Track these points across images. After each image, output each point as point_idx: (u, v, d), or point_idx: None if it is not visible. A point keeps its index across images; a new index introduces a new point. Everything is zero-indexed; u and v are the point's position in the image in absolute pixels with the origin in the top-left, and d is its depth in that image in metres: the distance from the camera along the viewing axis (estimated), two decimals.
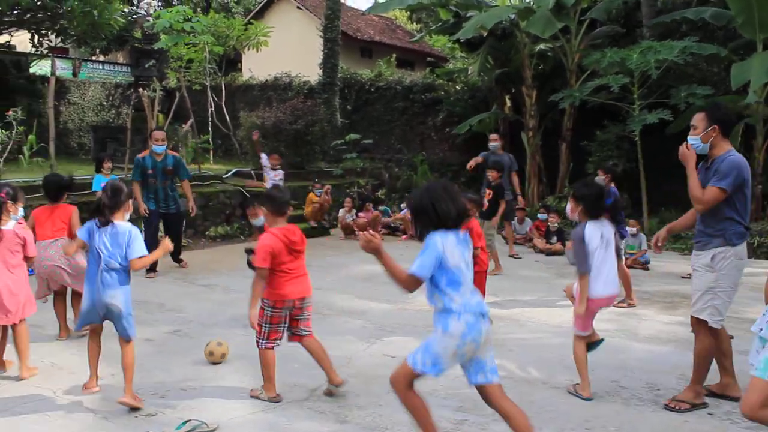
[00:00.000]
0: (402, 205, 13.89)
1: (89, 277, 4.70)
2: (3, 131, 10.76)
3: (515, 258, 10.74)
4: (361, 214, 13.18)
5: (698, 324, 4.60)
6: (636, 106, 12.26)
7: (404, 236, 12.96)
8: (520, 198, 11.77)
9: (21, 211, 5.51)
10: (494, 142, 11.16)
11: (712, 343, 4.58)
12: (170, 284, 8.49)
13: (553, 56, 14.66)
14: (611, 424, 4.36)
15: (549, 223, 11.60)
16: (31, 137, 11.80)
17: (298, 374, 5.15)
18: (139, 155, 9.19)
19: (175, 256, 9.30)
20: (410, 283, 3.46)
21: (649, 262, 10.10)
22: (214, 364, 5.45)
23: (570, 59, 13.82)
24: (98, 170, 9.65)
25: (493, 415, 4.40)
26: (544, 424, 4.34)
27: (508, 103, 16.18)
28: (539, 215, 11.93)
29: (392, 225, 13.52)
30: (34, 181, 10.14)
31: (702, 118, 4.61)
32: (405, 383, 3.55)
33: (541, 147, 14.57)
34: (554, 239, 11.44)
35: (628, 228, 10.29)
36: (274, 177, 12.28)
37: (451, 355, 3.46)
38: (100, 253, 4.59)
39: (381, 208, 13.96)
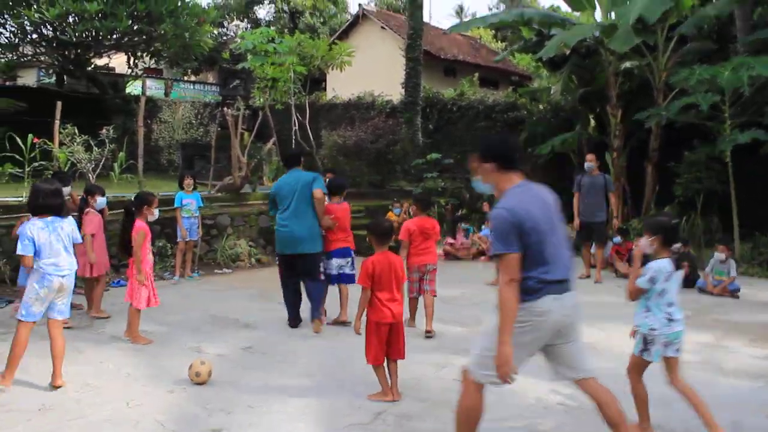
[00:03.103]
0: (483, 227, 13.73)
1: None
2: (97, 149, 11.26)
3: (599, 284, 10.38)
4: (451, 239, 13.18)
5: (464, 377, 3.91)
6: (727, 126, 11.70)
7: (483, 257, 12.81)
8: (614, 220, 11.44)
9: (103, 201, 7.76)
10: (590, 162, 10.84)
11: (470, 400, 3.83)
12: (247, 301, 8.62)
13: (640, 74, 14.17)
14: None
15: (633, 246, 11.13)
16: (121, 155, 12.30)
17: (363, 396, 5.12)
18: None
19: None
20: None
21: (739, 290, 9.52)
22: (200, 384, 5.36)
23: (657, 77, 13.31)
24: (181, 187, 10.07)
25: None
26: None
27: (592, 122, 15.73)
28: (614, 239, 11.38)
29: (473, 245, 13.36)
30: (123, 196, 10.62)
31: (474, 157, 3.91)
32: None
33: (626, 168, 14.10)
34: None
35: (716, 253, 9.83)
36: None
37: (34, 299, 5.12)
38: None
39: (463, 226, 13.85)
